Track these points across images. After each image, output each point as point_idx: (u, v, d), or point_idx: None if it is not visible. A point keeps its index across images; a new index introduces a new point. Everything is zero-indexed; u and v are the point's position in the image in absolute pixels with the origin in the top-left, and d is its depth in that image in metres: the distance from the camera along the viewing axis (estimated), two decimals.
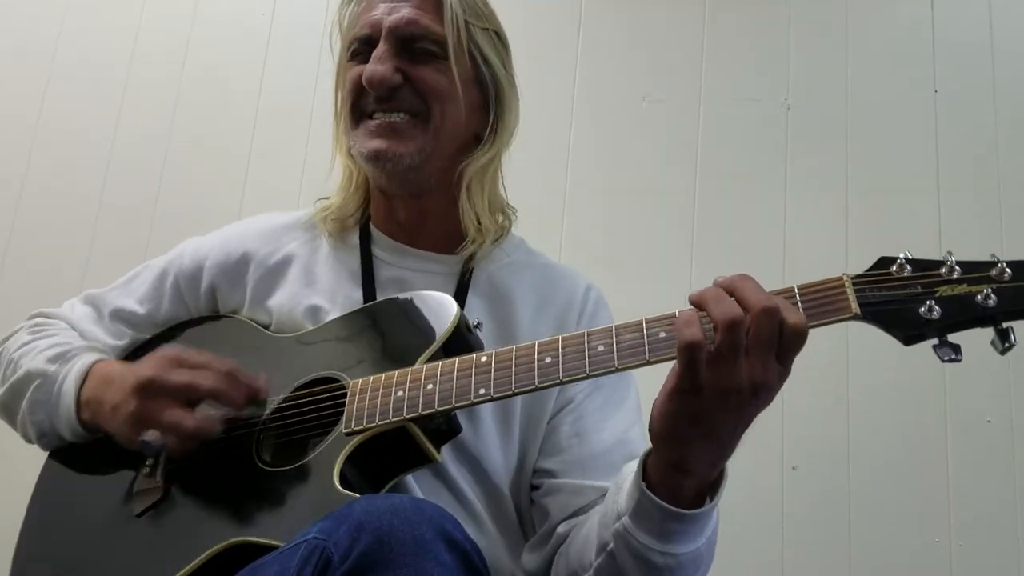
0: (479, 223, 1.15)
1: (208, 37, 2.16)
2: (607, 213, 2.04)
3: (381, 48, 1.10)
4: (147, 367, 1.01)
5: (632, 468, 0.90)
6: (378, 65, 1.09)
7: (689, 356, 0.78)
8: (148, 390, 0.99)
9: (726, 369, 0.78)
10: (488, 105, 1.17)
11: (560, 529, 1.05)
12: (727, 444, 0.83)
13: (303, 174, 2.04)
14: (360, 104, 1.13)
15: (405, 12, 1.11)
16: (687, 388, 0.79)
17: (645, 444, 0.90)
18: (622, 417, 1.12)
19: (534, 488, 1.11)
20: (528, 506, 1.12)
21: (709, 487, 0.87)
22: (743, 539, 1.82)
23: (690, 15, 2.16)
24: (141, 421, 0.99)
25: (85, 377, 1.08)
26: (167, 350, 1.04)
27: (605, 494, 1.00)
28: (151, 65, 2.14)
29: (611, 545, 0.91)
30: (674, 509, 0.84)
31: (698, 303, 0.80)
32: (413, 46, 1.11)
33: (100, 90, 2.12)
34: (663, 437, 0.84)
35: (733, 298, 0.79)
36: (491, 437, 1.08)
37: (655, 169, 2.07)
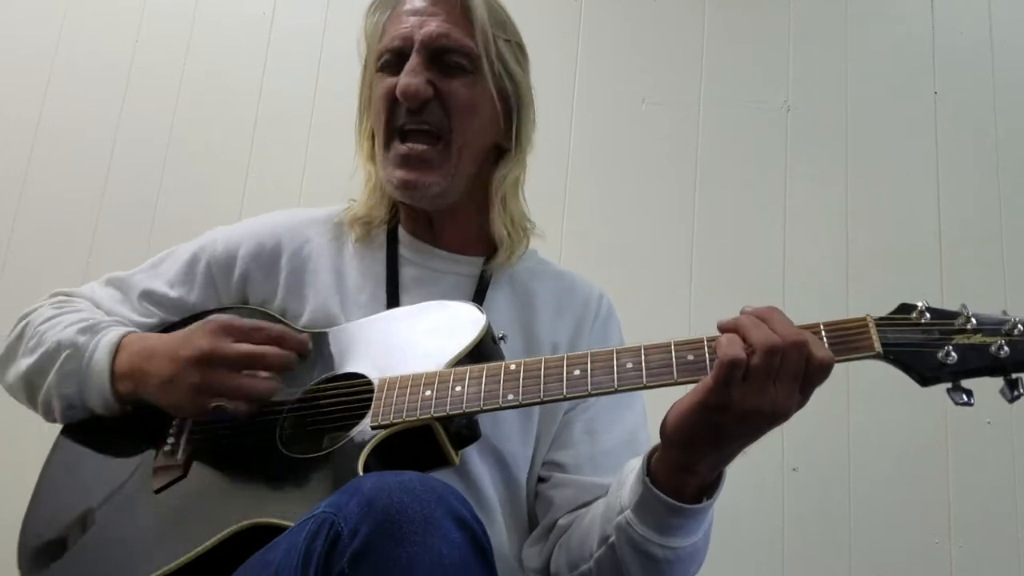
0: (510, 234, 1.19)
1: (208, 37, 2.16)
2: (606, 215, 2.04)
3: (414, 60, 1.13)
4: (201, 338, 1.01)
5: (635, 464, 0.94)
6: (411, 78, 1.12)
7: (728, 373, 0.81)
8: (210, 361, 0.99)
9: (755, 392, 0.82)
10: (509, 115, 1.20)
11: (561, 522, 1.08)
12: (733, 454, 0.88)
13: (303, 173, 2.04)
14: (393, 118, 1.15)
15: (436, 25, 1.13)
16: (715, 404, 0.83)
17: (650, 445, 0.93)
18: (630, 419, 1.16)
19: (541, 480, 1.15)
20: (534, 497, 1.16)
21: (708, 486, 0.91)
22: (744, 540, 1.82)
23: (690, 17, 2.17)
24: (208, 392, 0.99)
25: (117, 348, 1.08)
26: (214, 319, 1.04)
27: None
28: (151, 65, 2.14)
29: (612, 538, 0.94)
30: (677, 504, 0.89)
31: (733, 328, 0.85)
32: (444, 59, 1.14)
33: (101, 90, 2.12)
34: (677, 443, 0.88)
35: (767, 326, 0.83)
36: (511, 427, 1.11)
37: (655, 171, 2.07)
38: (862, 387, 1.90)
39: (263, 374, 1.01)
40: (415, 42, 1.13)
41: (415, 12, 1.15)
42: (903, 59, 2.14)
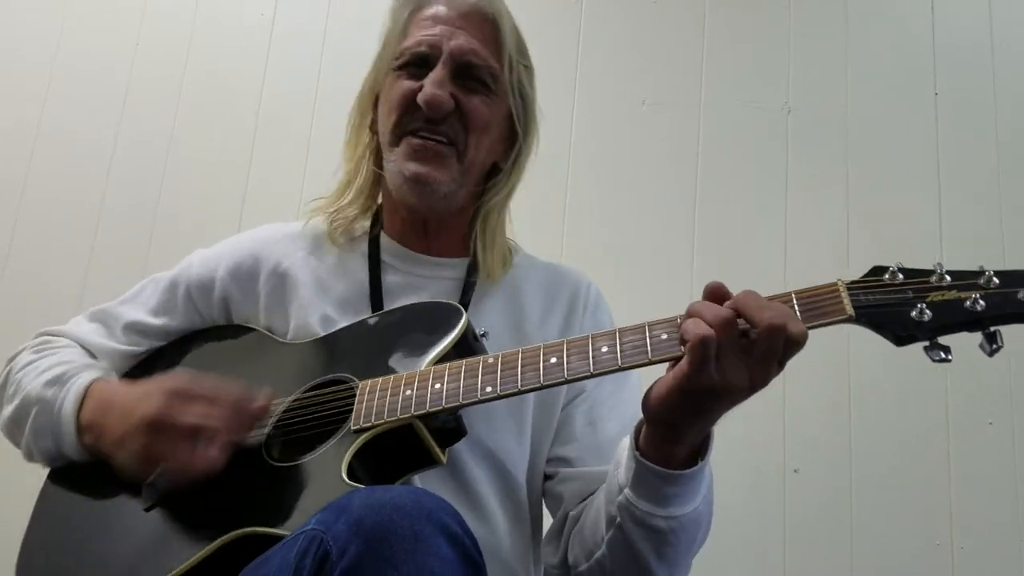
0: (490, 252, 1.19)
1: (209, 39, 2.16)
2: (607, 217, 2.04)
3: (440, 72, 1.13)
4: (153, 403, 0.99)
5: (627, 444, 0.95)
6: (437, 89, 1.12)
7: (702, 352, 0.81)
8: (156, 428, 0.98)
9: (731, 366, 0.82)
10: (513, 137, 1.21)
11: (572, 514, 1.09)
12: (716, 419, 0.89)
13: (304, 176, 2.04)
14: (404, 120, 1.14)
15: (464, 40, 1.14)
16: (695, 388, 0.83)
17: None
18: (629, 405, 1.15)
19: (548, 477, 1.15)
20: (539, 496, 1.17)
21: (697, 450, 0.92)
22: (745, 542, 1.82)
23: (690, 18, 2.17)
24: (150, 459, 0.98)
25: (84, 398, 1.08)
26: (174, 380, 1.02)
27: None
28: (152, 67, 2.14)
29: (618, 518, 0.95)
30: (669, 471, 0.90)
31: (692, 313, 0.85)
32: (468, 74, 1.14)
33: (101, 93, 2.12)
34: (660, 421, 0.89)
35: (732, 305, 0.83)
36: (505, 429, 1.11)
37: (655, 173, 2.07)
38: (864, 388, 1.90)
39: (207, 447, 0.98)
40: (443, 52, 1.13)
41: (444, 21, 1.15)
42: (903, 60, 2.14)
